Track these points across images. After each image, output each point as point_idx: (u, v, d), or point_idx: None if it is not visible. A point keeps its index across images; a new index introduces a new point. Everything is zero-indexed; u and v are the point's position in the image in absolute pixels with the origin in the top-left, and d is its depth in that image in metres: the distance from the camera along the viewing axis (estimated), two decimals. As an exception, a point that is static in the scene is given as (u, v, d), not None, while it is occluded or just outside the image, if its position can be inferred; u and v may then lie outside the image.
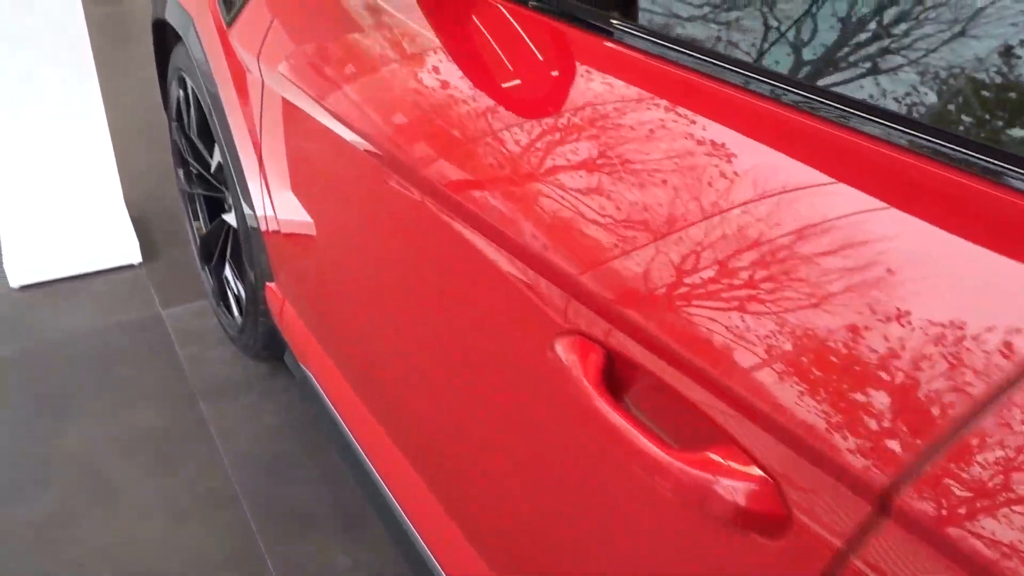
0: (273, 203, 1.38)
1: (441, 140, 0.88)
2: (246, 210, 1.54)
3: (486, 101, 0.86)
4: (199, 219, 2.09)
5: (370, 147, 1.00)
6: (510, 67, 0.89)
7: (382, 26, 1.04)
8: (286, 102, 1.22)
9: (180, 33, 1.65)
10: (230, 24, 1.40)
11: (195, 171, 2.01)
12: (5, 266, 2.14)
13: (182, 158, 2.03)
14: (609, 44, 0.80)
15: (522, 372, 0.79)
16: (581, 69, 0.80)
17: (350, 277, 1.19)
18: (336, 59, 1.10)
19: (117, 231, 2.27)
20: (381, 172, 0.99)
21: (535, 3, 0.89)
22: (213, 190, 1.93)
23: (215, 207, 2.06)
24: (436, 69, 0.94)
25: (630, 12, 0.81)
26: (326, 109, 1.09)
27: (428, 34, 0.97)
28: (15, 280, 2.12)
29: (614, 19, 0.82)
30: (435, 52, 0.95)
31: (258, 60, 1.28)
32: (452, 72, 0.91)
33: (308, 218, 1.27)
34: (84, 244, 2.21)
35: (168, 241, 2.38)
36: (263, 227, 1.47)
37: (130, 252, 2.23)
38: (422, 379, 1.04)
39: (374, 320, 1.15)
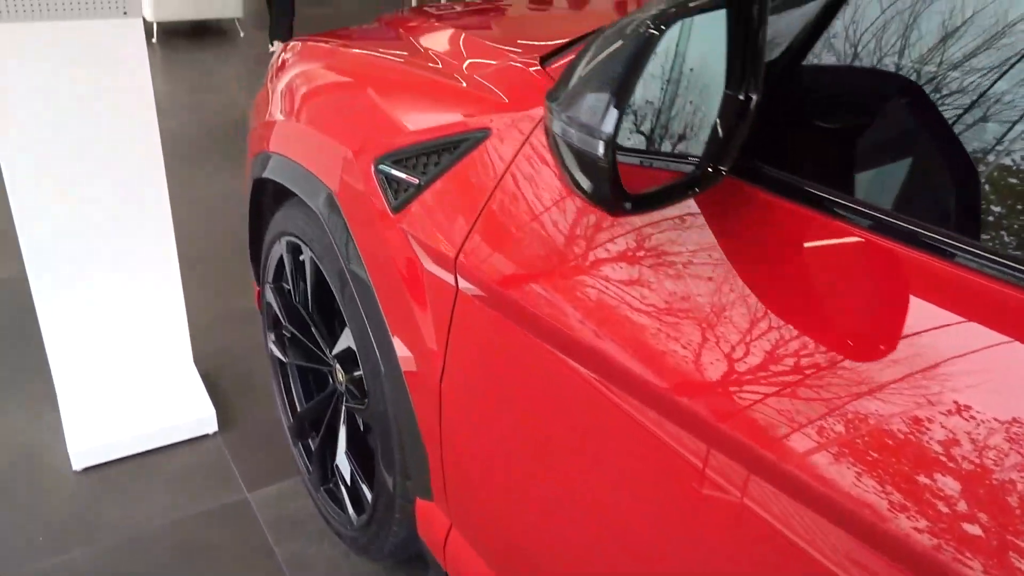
0: (457, 419, 1.16)
1: (731, 390, 0.71)
2: (393, 412, 1.32)
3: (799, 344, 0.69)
4: (291, 390, 1.85)
5: (636, 396, 0.82)
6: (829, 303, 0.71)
7: (656, 256, 0.84)
8: (499, 321, 1.01)
9: (307, 201, 1.45)
10: (398, 210, 1.21)
11: (288, 336, 1.78)
12: (68, 446, 1.87)
13: (276, 322, 1.81)
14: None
15: None
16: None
17: (573, 530, 0.96)
18: (577, 286, 0.90)
19: (189, 396, 2.02)
20: (633, 419, 0.82)
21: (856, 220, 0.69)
22: (315, 362, 1.70)
23: (307, 375, 1.84)
24: (738, 305, 0.75)
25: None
26: (573, 343, 0.88)
27: (715, 254, 0.78)
28: (79, 462, 1.85)
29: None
30: (739, 291, 0.76)
31: (455, 267, 1.07)
32: (765, 315, 0.73)
33: (512, 447, 1.05)
34: (154, 414, 1.95)
35: (242, 403, 2.13)
36: (428, 439, 1.24)
37: (206, 421, 1.98)
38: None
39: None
